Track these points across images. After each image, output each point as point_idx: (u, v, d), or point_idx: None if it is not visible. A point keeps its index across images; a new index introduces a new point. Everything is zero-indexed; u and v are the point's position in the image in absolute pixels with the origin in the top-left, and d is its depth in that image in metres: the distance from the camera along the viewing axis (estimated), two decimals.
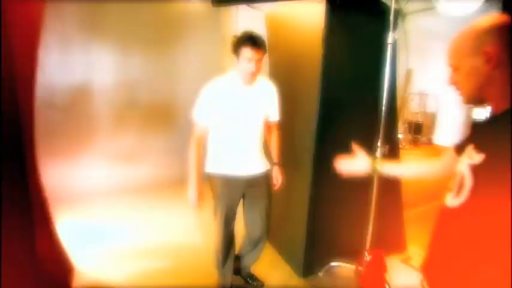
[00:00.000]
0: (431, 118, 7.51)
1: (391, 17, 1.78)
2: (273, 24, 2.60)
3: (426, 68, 7.59)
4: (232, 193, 1.71)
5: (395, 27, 1.79)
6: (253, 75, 1.61)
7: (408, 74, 7.88)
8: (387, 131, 1.92)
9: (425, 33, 7.14)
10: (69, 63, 3.33)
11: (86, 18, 3.37)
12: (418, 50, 7.36)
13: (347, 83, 2.10)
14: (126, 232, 2.71)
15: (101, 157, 3.56)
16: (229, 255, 1.84)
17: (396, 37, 1.79)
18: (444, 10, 1.68)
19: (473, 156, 0.77)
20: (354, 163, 1.17)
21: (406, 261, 2.41)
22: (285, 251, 2.43)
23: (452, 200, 0.81)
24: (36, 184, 1.86)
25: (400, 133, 7.00)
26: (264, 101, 1.75)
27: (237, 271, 2.08)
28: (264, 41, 1.62)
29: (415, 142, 7.12)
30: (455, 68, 0.84)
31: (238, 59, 1.60)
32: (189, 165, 1.65)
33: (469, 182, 0.77)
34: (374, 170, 1.13)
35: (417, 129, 7.18)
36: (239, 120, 1.68)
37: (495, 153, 0.73)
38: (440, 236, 0.87)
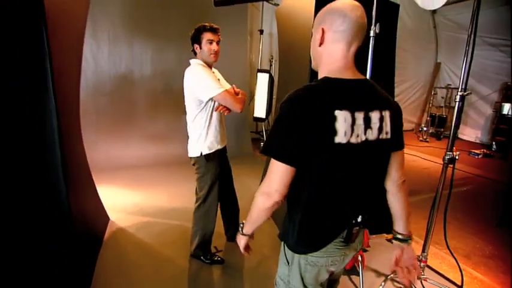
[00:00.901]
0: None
1: (374, 11, 1.93)
2: (282, 16, 2.90)
3: (455, 62, 7.12)
4: (224, 162, 2.06)
5: (377, 21, 1.93)
6: (216, 54, 1.95)
7: (436, 68, 7.44)
8: None
9: (456, 26, 6.69)
10: (116, 57, 3.98)
11: (130, 20, 3.98)
12: (448, 43, 6.93)
13: None
14: (155, 197, 3.24)
15: (138, 135, 4.19)
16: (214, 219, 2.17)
17: (377, 30, 1.93)
18: (419, 3, 1.76)
19: None
20: None
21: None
22: (276, 219, 2.76)
23: None
24: (78, 154, 2.37)
25: (423, 126, 6.88)
26: (222, 81, 2.12)
27: (231, 237, 2.45)
28: (218, 28, 1.93)
29: (437, 135, 6.89)
30: (311, 36, 0.95)
31: (200, 45, 1.92)
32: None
33: None
34: None
35: (441, 123, 6.90)
36: None
37: None
38: None
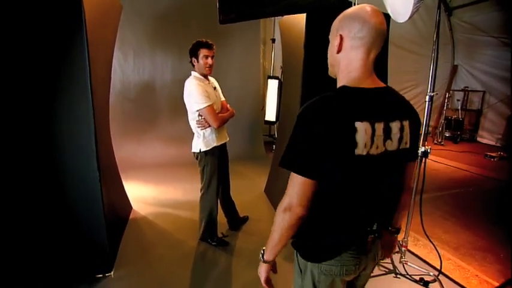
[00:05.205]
0: (475, 115, 7.08)
1: None
2: (284, 27, 3.23)
3: (472, 64, 7.01)
4: (222, 157, 2.38)
5: None
6: (211, 68, 2.22)
7: (453, 70, 7.35)
8: None
9: (472, 28, 6.61)
10: (140, 67, 4.48)
11: (153, 34, 4.47)
12: (465, 45, 6.85)
13: (321, 71, 2.56)
14: (171, 192, 3.63)
15: (159, 137, 4.63)
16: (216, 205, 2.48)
17: None
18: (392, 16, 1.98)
19: None
20: None
21: None
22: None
23: None
24: (107, 151, 2.78)
25: (438, 129, 6.82)
26: (218, 88, 2.41)
27: (233, 226, 2.76)
28: (212, 44, 2.17)
29: (454, 139, 6.84)
30: (329, 42, 0.93)
31: (197, 59, 2.19)
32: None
33: None
34: None
35: (457, 126, 6.83)
36: (216, 102, 2.28)
37: None
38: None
